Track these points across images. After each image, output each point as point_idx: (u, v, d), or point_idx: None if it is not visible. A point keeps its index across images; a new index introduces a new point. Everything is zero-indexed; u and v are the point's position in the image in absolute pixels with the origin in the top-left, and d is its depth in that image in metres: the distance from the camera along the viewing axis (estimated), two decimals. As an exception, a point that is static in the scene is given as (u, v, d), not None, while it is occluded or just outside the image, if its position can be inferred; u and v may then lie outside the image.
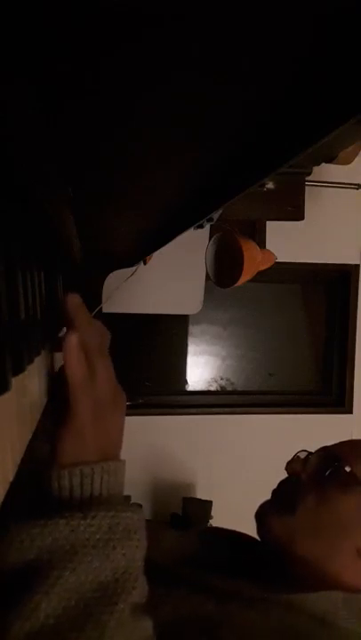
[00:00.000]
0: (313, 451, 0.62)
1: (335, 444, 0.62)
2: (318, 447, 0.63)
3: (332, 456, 0.59)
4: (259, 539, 0.61)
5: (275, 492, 0.62)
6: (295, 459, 0.62)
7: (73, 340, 0.39)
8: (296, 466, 0.61)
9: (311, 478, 0.58)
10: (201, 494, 2.13)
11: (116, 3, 0.14)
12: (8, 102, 0.19)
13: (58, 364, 0.46)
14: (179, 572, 0.60)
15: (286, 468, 0.62)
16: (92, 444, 0.40)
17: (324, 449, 0.62)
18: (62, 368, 0.40)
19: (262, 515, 0.60)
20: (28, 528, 0.35)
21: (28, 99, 0.20)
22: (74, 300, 0.42)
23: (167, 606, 0.51)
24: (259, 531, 0.60)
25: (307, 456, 0.61)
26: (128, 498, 2.00)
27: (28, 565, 0.35)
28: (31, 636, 0.32)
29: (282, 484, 0.63)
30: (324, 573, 0.54)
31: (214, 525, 0.92)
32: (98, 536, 0.37)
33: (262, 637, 0.49)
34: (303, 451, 0.63)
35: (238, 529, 0.73)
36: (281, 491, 0.62)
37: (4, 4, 0.13)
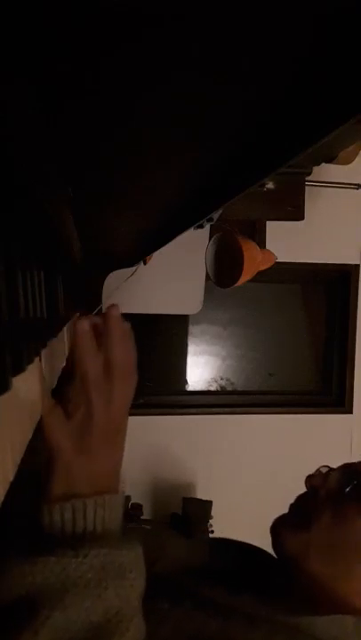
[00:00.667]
0: (335, 467, 0.61)
1: (359, 462, 0.60)
2: (342, 464, 0.61)
3: (353, 473, 0.57)
4: (273, 553, 0.60)
5: (292, 507, 0.61)
6: (316, 474, 0.61)
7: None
8: (316, 481, 0.59)
9: (330, 495, 0.57)
10: (201, 494, 2.13)
11: (116, 3, 0.14)
12: (8, 102, 0.19)
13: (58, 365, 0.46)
14: (184, 584, 0.59)
15: (306, 483, 0.60)
16: (83, 478, 0.39)
17: (347, 466, 0.60)
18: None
19: (277, 528, 0.58)
20: (19, 564, 0.34)
21: (28, 99, 0.20)
22: (81, 325, 0.40)
23: (169, 623, 0.50)
24: (273, 545, 0.59)
25: (328, 471, 0.60)
26: (127, 498, 2.00)
27: (18, 602, 0.34)
28: None
29: (300, 498, 0.61)
30: (335, 595, 0.52)
31: (215, 526, 0.91)
32: (90, 575, 0.35)
33: None
34: (325, 466, 0.61)
35: (238, 528, 0.72)
36: (298, 505, 0.60)
37: (4, 4, 0.13)
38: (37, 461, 0.39)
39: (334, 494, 0.56)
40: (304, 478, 0.60)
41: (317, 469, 0.61)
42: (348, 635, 0.53)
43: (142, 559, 0.39)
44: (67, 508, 0.37)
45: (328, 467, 0.61)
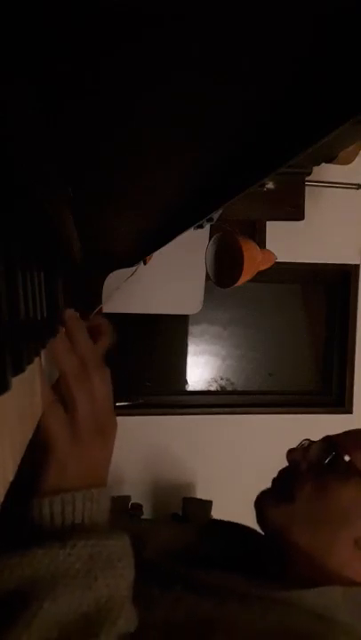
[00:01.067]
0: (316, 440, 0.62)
1: (338, 434, 0.62)
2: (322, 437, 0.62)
3: (333, 445, 0.59)
4: (259, 528, 0.61)
5: (275, 481, 0.62)
6: (297, 447, 0.62)
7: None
8: (296, 454, 0.60)
9: (311, 467, 0.58)
10: (201, 494, 2.13)
11: (116, 3, 0.14)
12: (8, 102, 0.19)
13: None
14: (175, 568, 0.60)
15: (287, 456, 0.62)
16: (74, 472, 0.39)
17: (327, 438, 0.61)
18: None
19: (261, 503, 0.59)
20: (7, 558, 0.35)
21: (28, 99, 0.20)
22: (69, 314, 0.42)
23: (161, 608, 0.50)
24: (258, 519, 0.59)
25: (308, 445, 0.61)
26: (127, 498, 2.00)
27: (9, 596, 0.34)
28: None
29: (282, 472, 0.62)
30: (322, 565, 0.53)
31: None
32: (78, 566, 0.36)
33: (260, 637, 0.48)
34: (306, 440, 0.62)
35: (240, 526, 0.72)
36: (280, 479, 0.61)
37: (4, 4, 0.13)
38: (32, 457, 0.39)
39: (315, 466, 0.57)
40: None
41: (299, 443, 0.62)
42: (337, 604, 0.53)
43: (130, 549, 0.40)
44: (56, 501, 0.38)
45: (309, 440, 0.62)
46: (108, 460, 0.43)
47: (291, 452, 0.61)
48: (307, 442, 0.62)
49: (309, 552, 0.53)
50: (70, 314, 0.44)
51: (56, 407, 0.40)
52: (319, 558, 0.53)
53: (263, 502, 0.59)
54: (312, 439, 0.62)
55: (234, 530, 0.70)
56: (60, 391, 0.41)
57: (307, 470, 0.58)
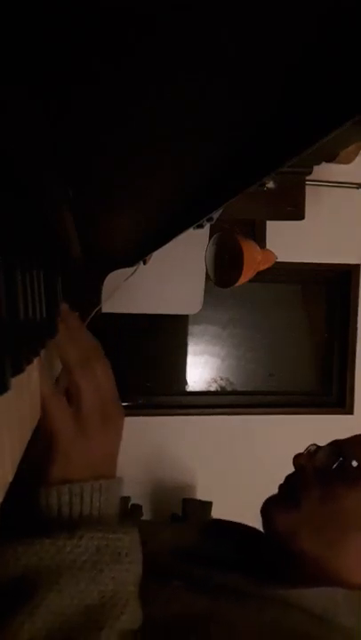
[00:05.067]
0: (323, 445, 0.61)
1: (345, 439, 0.61)
2: (330, 441, 0.62)
3: (340, 450, 0.58)
4: (259, 528, 0.60)
5: (281, 487, 0.61)
6: (304, 452, 0.61)
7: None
8: (303, 459, 0.60)
9: (317, 472, 0.57)
10: (201, 495, 2.13)
11: (116, 3, 0.14)
12: (8, 102, 0.19)
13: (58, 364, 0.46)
14: (174, 565, 0.59)
15: (293, 462, 0.61)
16: (82, 463, 0.39)
17: (334, 443, 0.60)
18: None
19: (267, 509, 0.59)
20: (15, 545, 0.35)
21: (27, 99, 0.20)
22: (63, 308, 0.42)
23: (159, 602, 0.50)
24: (264, 526, 0.59)
25: (315, 450, 0.61)
26: (127, 498, 2.00)
27: (14, 584, 0.34)
28: None
29: (288, 478, 0.62)
30: (326, 569, 0.53)
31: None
32: (84, 557, 0.35)
33: (255, 635, 0.48)
34: (313, 444, 0.62)
35: (240, 527, 0.72)
36: (287, 485, 0.61)
37: (4, 4, 0.13)
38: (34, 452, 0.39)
39: (321, 472, 0.57)
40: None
41: (306, 448, 0.61)
42: (337, 606, 0.53)
43: (139, 544, 0.40)
44: (64, 491, 0.38)
45: (316, 445, 0.61)
46: (117, 451, 0.42)
47: (297, 458, 0.60)
48: (314, 447, 0.61)
49: (317, 557, 0.53)
50: (65, 308, 0.44)
51: (60, 399, 0.39)
52: (324, 562, 0.53)
53: (270, 509, 0.58)
54: (319, 444, 0.61)
55: (235, 529, 0.70)
56: (63, 383, 0.40)
57: (313, 475, 0.57)
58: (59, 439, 0.39)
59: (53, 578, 0.34)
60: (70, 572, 0.35)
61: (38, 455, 0.39)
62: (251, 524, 0.62)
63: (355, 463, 0.55)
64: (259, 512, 0.60)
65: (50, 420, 0.38)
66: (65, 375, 0.41)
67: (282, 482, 0.62)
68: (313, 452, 0.60)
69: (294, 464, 0.61)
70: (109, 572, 0.36)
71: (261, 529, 0.60)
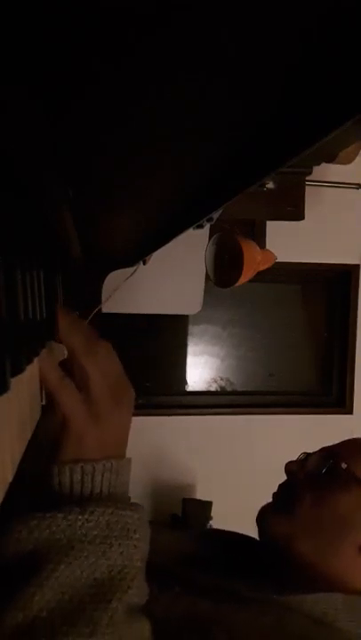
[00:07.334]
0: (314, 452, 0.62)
1: (335, 444, 0.62)
2: (319, 448, 0.63)
3: (330, 455, 0.60)
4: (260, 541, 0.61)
5: (275, 495, 0.62)
6: (295, 460, 0.62)
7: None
8: (294, 465, 0.61)
9: (308, 478, 0.58)
10: (201, 495, 2.13)
11: (116, 3, 0.14)
12: (8, 102, 0.19)
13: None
14: (174, 571, 0.60)
15: (285, 469, 0.62)
16: (93, 445, 0.40)
17: (324, 449, 0.62)
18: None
19: (263, 517, 0.60)
20: (27, 520, 0.35)
21: (28, 99, 0.20)
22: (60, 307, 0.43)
23: (159, 605, 0.51)
24: (260, 534, 0.60)
25: (306, 457, 0.62)
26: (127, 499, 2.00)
27: (25, 557, 0.35)
28: (22, 628, 0.32)
29: (281, 486, 0.63)
30: (324, 574, 0.53)
31: (215, 527, 0.92)
32: (95, 532, 0.36)
33: (257, 638, 0.48)
34: (304, 453, 0.63)
35: (238, 530, 0.72)
36: (280, 493, 0.62)
37: (5, 4, 0.13)
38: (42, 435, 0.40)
39: (313, 476, 0.58)
40: None
41: (298, 457, 0.63)
42: (337, 610, 0.54)
43: (147, 523, 0.41)
44: (76, 470, 0.39)
45: (306, 453, 0.62)
46: (127, 431, 0.43)
47: (288, 465, 0.62)
48: (304, 454, 0.62)
49: (312, 561, 0.54)
50: (60, 307, 0.45)
51: (68, 386, 0.40)
52: (322, 566, 0.53)
53: (265, 517, 0.59)
54: (312, 450, 0.63)
55: (232, 537, 0.71)
56: (69, 369, 0.41)
57: (305, 481, 0.58)
58: (71, 425, 0.39)
59: (64, 551, 0.35)
60: (81, 545, 0.36)
61: (52, 433, 0.40)
62: (250, 524, 0.63)
63: (344, 465, 0.56)
64: (258, 513, 0.61)
65: (62, 407, 0.39)
66: (71, 359, 0.41)
67: (280, 484, 0.63)
68: (304, 458, 0.61)
69: (286, 471, 0.62)
70: (118, 547, 0.37)
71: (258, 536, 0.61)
